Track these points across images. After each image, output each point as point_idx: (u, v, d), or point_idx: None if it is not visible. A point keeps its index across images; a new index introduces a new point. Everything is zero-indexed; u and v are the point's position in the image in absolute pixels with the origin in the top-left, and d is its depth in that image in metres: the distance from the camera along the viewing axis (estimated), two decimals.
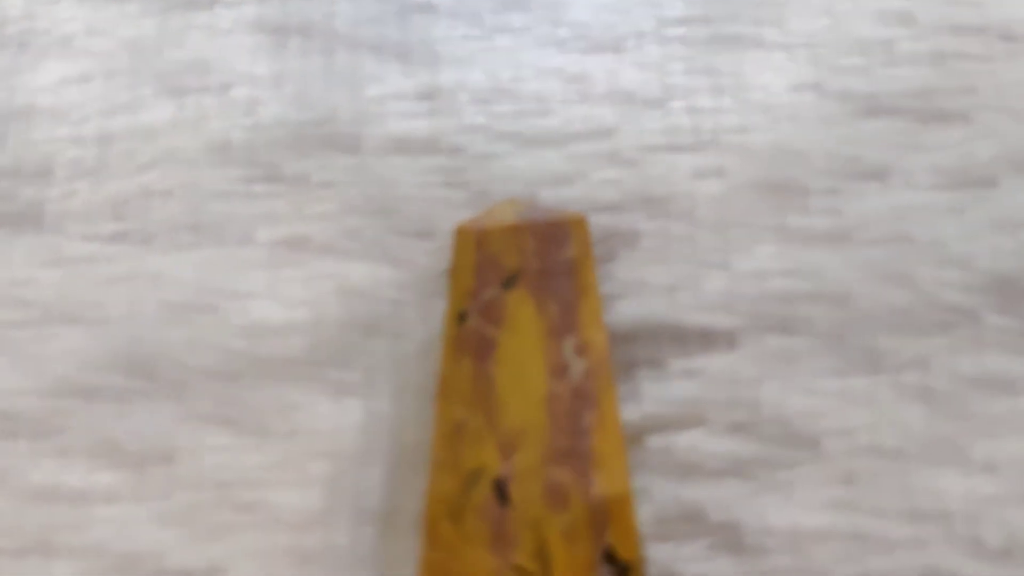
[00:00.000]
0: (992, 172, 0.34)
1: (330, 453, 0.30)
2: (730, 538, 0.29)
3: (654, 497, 0.29)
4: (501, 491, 0.25)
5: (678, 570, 0.28)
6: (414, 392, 0.31)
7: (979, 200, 0.33)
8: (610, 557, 0.24)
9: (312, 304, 0.31)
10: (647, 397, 0.30)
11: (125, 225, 0.33)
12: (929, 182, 0.33)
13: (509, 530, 0.25)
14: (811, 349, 0.30)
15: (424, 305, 0.32)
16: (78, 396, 0.30)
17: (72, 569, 0.28)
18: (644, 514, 0.29)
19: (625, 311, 0.31)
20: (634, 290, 0.31)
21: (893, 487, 0.29)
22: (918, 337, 0.31)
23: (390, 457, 0.30)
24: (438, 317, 0.31)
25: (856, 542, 0.28)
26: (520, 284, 0.28)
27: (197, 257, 0.32)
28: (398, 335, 0.31)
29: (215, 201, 0.33)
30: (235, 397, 0.30)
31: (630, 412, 0.30)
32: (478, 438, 0.26)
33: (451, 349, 0.27)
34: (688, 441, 0.30)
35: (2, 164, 0.35)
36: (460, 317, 0.28)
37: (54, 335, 0.31)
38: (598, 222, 0.32)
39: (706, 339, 0.31)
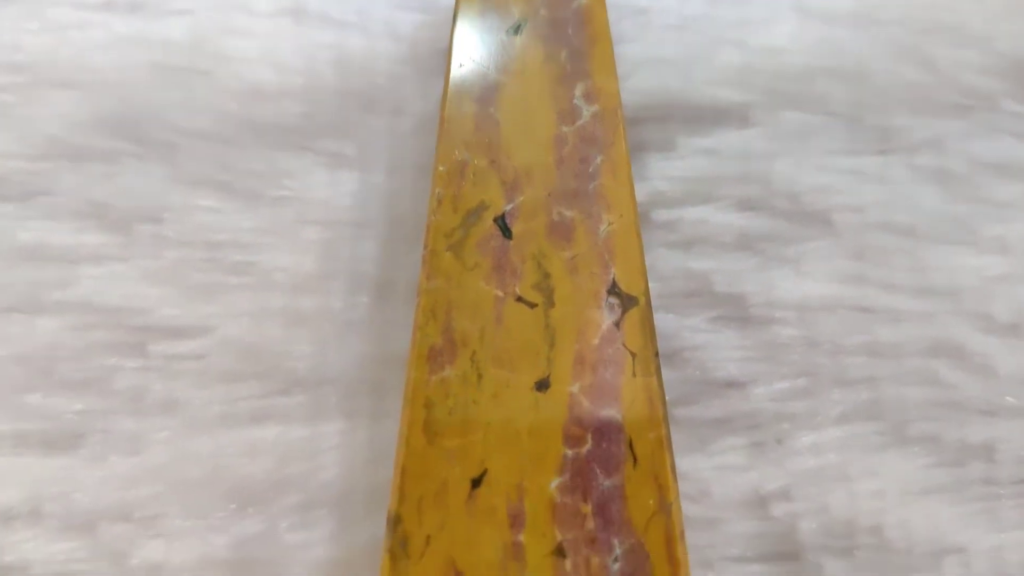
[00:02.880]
0: None
1: (324, 221, 0.29)
2: (736, 310, 0.28)
3: (659, 269, 0.28)
4: (504, 226, 0.24)
5: (683, 340, 0.28)
6: (410, 168, 0.30)
7: None
8: (615, 290, 0.24)
9: (309, 73, 0.30)
10: (655, 175, 0.29)
11: None
12: None
13: (511, 262, 0.24)
14: (826, 126, 0.30)
15: (422, 82, 0.31)
16: (66, 158, 0.29)
17: (59, 323, 0.27)
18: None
19: (636, 87, 0.30)
20: (646, 67, 0.30)
21: (903, 263, 0.28)
22: (934, 118, 0.30)
23: (385, 229, 0.29)
24: (436, 95, 0.30)
25: (865, 314, 0.28)
26: (528, 31, 0.27)
27: (192, 22, 0.31)
28: (395, 111, 0.30)
29: None
30: (227, 160, 0.29)
31: (638, 191, 0.29)
32: (481, 178, 0.25)
33: (453, 93, 0.26)
34: (696, 215, 0.29)
35: None
36: (461, 63, 0.26)
37: (44, 98, 0.30)
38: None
39: (719, 116, 0.30)
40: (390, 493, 0.23)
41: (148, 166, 0.29)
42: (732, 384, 0.27)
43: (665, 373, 0.27)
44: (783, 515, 0.26)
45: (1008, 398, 0.28)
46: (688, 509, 0.27)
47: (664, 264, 0.28)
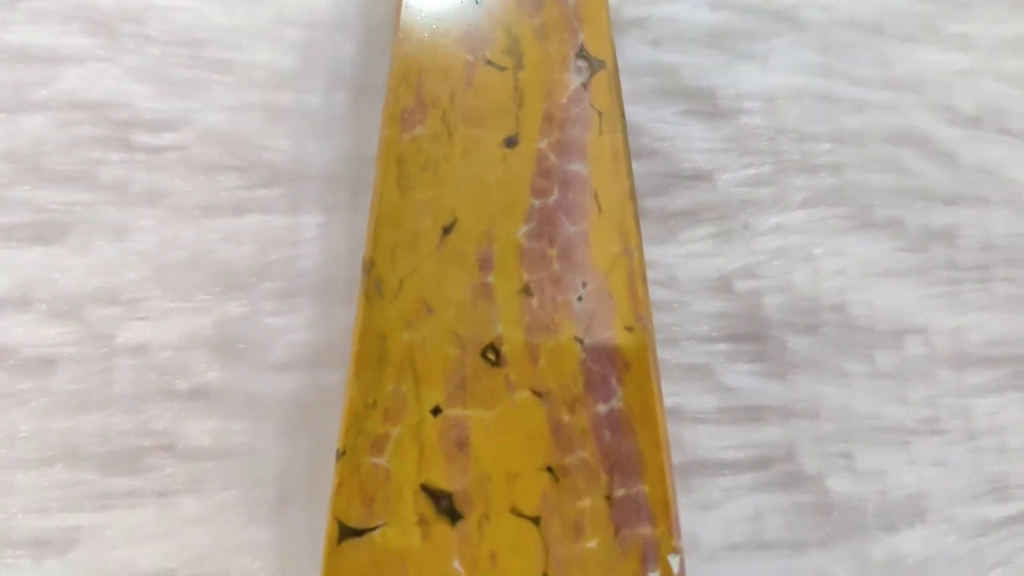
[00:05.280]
0: None
1: (303, 21, 0.29)
2: (704, 104, 0.29)
3: (628, 62, 0.29)
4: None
5: (652, 132, 0.28)
6: None
7: None
8: (583, 54, 0.24)
9: None
10: None
11: None
12: None
13: (481, 29, 0.24)
14: None
15: None
16: None
17: (44, 120, 0.28)
18: None
19: None
20: None
21: (868, 57, 0.29)
22: None
23: (363, 32, 0.29)
24: None
25: (831, 104, 0.28)
26: None
27: None
28: None
29: None
30: None
31: None
32: None
33: None
34: (666, 12, 0.29)
35: None
36: None
37: None
38: None
39: None
40: (364, 244, 0.23)
41: None
42: (699, 175, 0.28)
43: (634, 166, 0.28)
44: (747, 292, 0.27)
45: (969, 187, 0.28)
46: (655, 293, 0.28)
47: (634, 59, 0.29)
